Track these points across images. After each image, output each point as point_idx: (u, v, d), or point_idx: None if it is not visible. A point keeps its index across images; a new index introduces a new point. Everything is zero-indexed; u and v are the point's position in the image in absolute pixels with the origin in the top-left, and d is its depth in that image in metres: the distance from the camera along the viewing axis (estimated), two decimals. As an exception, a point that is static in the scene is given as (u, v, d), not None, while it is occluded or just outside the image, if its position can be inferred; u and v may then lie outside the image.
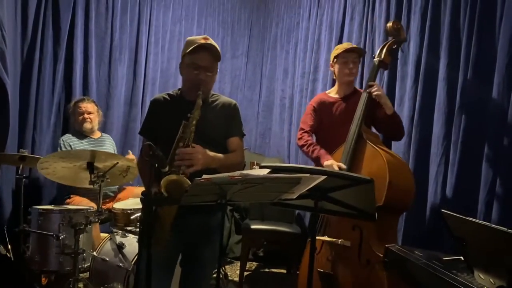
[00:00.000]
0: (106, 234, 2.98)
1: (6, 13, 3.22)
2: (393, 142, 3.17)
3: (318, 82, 4.25)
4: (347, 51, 2.85)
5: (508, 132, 2.38)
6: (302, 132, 2.90)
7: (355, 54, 2.87)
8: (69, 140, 3.50)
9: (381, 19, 3.41)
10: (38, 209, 2.86)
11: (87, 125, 3.56)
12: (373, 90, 2.66)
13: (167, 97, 2.11)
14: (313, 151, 2.77)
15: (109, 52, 4.20)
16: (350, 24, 3.86)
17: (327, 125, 2.90)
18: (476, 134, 2.56)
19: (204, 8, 5.02)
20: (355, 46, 2.91)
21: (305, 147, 2.84)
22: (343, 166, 2.54)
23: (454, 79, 2.72)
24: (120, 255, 2.70)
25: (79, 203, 3.24)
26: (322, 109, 2.91)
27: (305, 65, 4.51)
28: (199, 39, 2.00)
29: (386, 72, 3.29)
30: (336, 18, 4.07)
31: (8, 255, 3.07)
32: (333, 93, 2.98)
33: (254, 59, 5.42)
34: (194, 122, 1.88)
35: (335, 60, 2.91)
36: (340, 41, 3.96)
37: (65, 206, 3.12)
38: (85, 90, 4.01)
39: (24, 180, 3.05)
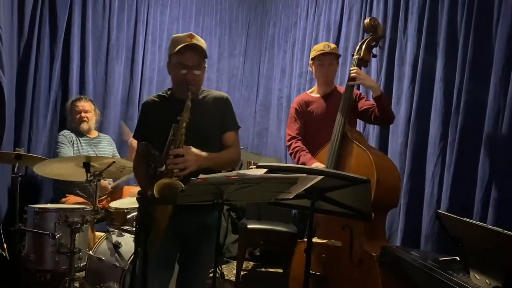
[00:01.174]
0: (103, 233, 2.97)
1: (2, 11, 3.20)
2: (389, 143, 3.18)
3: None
4: (322, 54, 2.84)
5: (504, 133, 2.38)
6: (289, 139, 2.90)
7: (332, 56, 2.85)
8: (70, 135, 3.50)
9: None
10: (34, 208, 2.85)
11: (84, 126, 3.55)
12: (352, 75, 2.63)
13: (156, 98, 2.11)
14: (298, 158, 2.77)
15: (106, 50, 4.19)
16: (348, 24, 3.86)
17: (310, 125, 2.90)
18: (473, 134, 2.56)
19: (202, 7, 5.01)
20: (332, 46, 2.89)
21: (292, 155, 2.85)
22: (324, 167, 2.53)
23: (451, 80, 2.73)
24: (116, 255, 2.69)
25: (74, 201, 3.23)
26: (304, 109, 2.92)
27: (302, 65, 4.51)
28: (185, 37, 1.97)
29: (383, 72, 3.29)
30: (333, 18, 4.07)
31: (4, 254, 3.06)
32: (314, 92, 3.00)
33: (251, 58, 5.41)
34: (184, 125, 1.88)
35: (311, 61, 2.93)
36: (337, 41, 3.96)
37: (61, 205, 3.11)
38: (82, 89, 4.00)
39: (20, 178, 3.04)
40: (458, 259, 1.61)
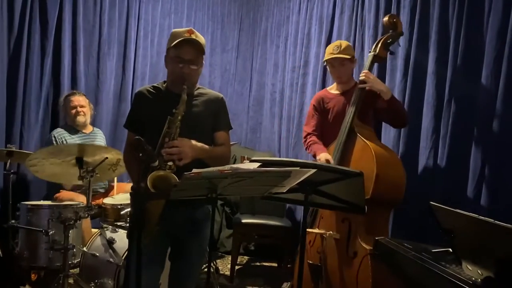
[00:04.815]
0: (96, 230, 2.96)
1: (-9, 7, 3.17)
2: (382, 135, 3.20)
3: (308, 76, 4.25)
4: (332, 58, 2.85)
5: (495, 125, 2.40)
6: (305, 135, 2.96)
7: (342, 57, 2.84)
8: (62, 135, 3.45)
9: (370, 13, 3.42)
10: (27, 205, 2.84)
11: (80, 119, 3.51)
12: (361, 79, 2.68)
13: (151, 89, 2.10)
14: (311, 150, 2.83)
15: (98, 46, 4.15)
16: (340, 18, 3.86)
17: (327, 120, 2.92)
18: (465, 127, 2.58)
19: (194, 2, 4.98)
20: (343, 46, 2.85)
21: (307, 149, 2.91)
22: (330, 158, 2.59)
23: (443, 73, 2.74)
24: (110, 251, 2.69)
25: (67, 196, 3.22)
26: (322, 106, 2.94)
27: (295, 59, 4.51)
28: (184, 32, 1.99)
29: (375, 66, 3.30)
30: (326, 12, 4.06)
31: (-3, 252, 3.04)
32: (333, 89, 3.01)
33: (244, 53, 5.40)
34: (179, 118, 1.88)
35: (325, 62, 2.96)
36: (330, 35, 3.97)
37: (54, 201, 3.09)
38: (74, 85, 3.97)
39: (12, 175, 3.02)
40: (451, 250, 1.63)
